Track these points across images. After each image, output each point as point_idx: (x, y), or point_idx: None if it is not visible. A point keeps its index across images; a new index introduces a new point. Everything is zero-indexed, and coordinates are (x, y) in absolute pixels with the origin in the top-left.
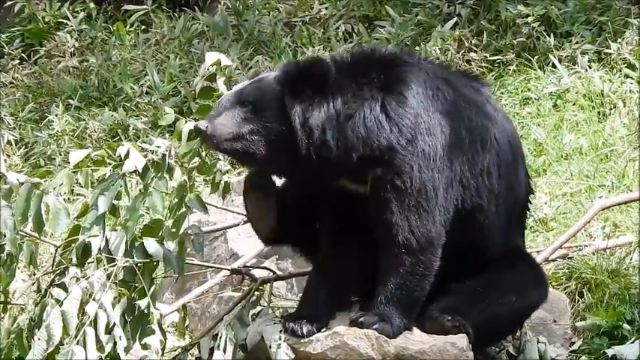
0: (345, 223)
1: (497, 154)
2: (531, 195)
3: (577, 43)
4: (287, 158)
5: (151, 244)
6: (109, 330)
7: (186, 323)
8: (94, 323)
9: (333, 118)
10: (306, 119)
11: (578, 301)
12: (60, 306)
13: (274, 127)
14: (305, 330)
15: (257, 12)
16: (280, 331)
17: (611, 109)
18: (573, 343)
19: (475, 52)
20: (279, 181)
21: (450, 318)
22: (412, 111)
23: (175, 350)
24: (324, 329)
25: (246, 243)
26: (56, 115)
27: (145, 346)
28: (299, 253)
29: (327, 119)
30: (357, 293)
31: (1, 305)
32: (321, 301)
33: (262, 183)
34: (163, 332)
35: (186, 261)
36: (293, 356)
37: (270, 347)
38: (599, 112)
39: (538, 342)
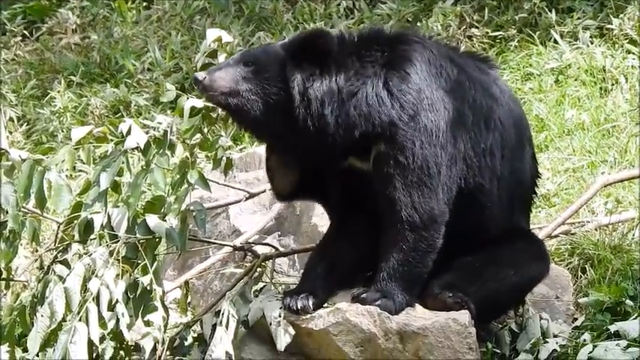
0: (350, 200)
1: (501, 135)
2: (537, 178)
3: (579, 18)
4: (283, 125)
5: (153, 221)
6: (111, 307)
7: (189, 300)
8: (97, 300)
9: (335, 94)
10: (306, 89)
11: (581, 277)
12: (63, 283)
13: (273, 91)
14: (300, 305)
15: None
16: (280, 308)
17: (612, 84)
18: (576, 319)
19: (477, 27)
20: None
21: (451, 294)
22: (415, 87)
23: (178, 327)
24: (325, 305)
25: (249, 219)
26: (58, 92)
27: (147, 323)
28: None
29: (327, 93)
30: (358, 270)
31: (4, 282)
32: (319, 277)
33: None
34: (166, 309)
35: (189, 237)
36: (293, 333)
37: (270, 324)
38: (600, 88)
39: (541, 318)
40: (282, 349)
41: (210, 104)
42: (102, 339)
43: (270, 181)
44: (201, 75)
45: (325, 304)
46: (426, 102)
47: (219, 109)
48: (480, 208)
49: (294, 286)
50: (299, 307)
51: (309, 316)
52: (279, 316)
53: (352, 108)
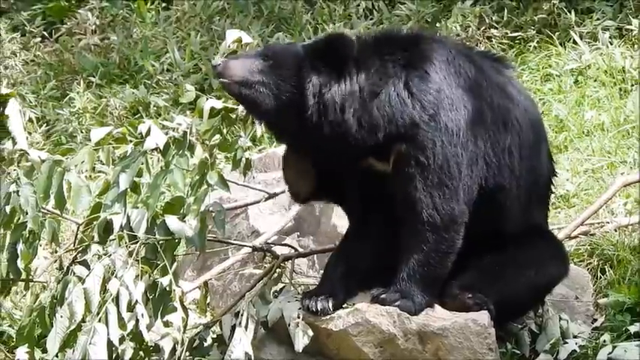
0: (368, 201)
1: (518, 135)
2: (554, 176)
3: (598, 19)
4: (295, 123)
5: (172, 222)
6: (130, 307)
7: (208, 300)
8: (116, 301)
9: (356, 96)
10: (322, 94)
11: (600, 277)
12: (82, 283)
13: (286, 88)
14: (319, 306)
15: None
16: (299, 309)
17: (632, 85)
18: (595, 320)
19: (496, 28)
20: None
21: (470, 295)
22: (435, 86)
23: (197, 327)
24: (344, 306)
25: (268, 220)
26: (77, 93)
27: (166, 324)
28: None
29: (347, 96)
30: (377, 271)
31: (24, 283)
32: (338, 278)
33: None
34: (185, 309)
35: (208, 238)
36: (311, 334)
37: (289, 325)
38: (620, 89)
39: (560, 319)
40: (301, 350)
41: (228, 100)
42: (121, 340)
43: (287, 182)
44: (217, 61)
45: (344, 305)
46: (446, 101)
47: (239, 110)
48: (499, 207)
49: (314, 287)
50: (318, 309)
51: (328, 316)
52: (298, 317)
53: (375, 109)
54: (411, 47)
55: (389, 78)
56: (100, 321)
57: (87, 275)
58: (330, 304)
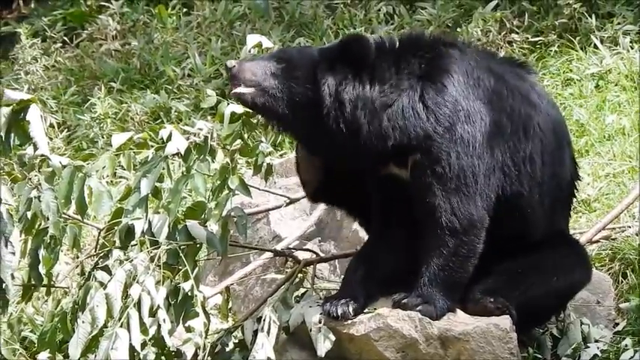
0: (389, 207)
1: (540, 141)
2: (577, 181)
3: (619, 23)
4: (310, 125)
5: (194, 227)
6: (152, 312)
7: (230, 305)
8: (138, 306)
9: (368, 102)
10: (338, 92)
11: (622, 282)
12: (104, 289)
13: (299, 90)
14: (340, 311)
15: None
16: (320, 314)
17: None
18: (617, 324)
19: (517, 33)
20: None
21: (492, 299)
22: (451, 99)
23: (219, 332)
24: (366, 311)
25: (289, 225)
26: (98, 98)
27: (188, 329)
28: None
29: (360, 98)
30: (398, 276)
31: (45, 288)
32: (359, 283)
33: None
34: (207, 314)
35: (229, 243)
36: (333, 339)
37: (310, 330)
38: None
39: (582, 323)
40: (323, 355)
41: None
42: (143, 345)
43: (298, 174)
44: (231, 63)
45: (366, 310)
46: (462, 113)
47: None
48: (521, 213)
49: (335, 292)
50: (339, 314)
51: (350, 321)
52: (320, 322)
53: (386, 119)
54: (430, 57)
55: (403, 91)
56: (121, 326)
57: (109, 280)
58: (351, 309)
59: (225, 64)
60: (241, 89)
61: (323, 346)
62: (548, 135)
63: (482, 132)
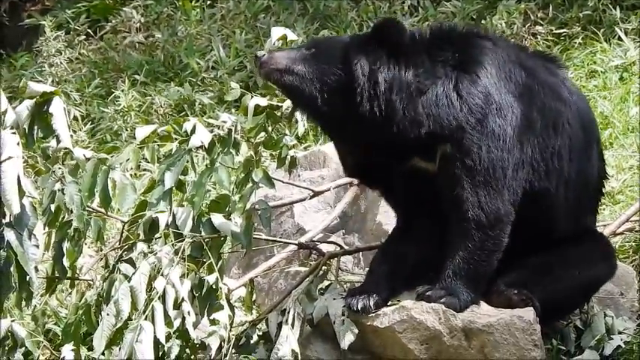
0: (414, 200)
1: (569, 137)
2: (605, 179)
3: None
4: (341, 109)
5: (218, 220)
6: (177, 305)
7: (254, 298)
8: (163, 298)
9: (403, 86)
10: (372, 71)
11: None
12: (128, 281)
13: (331, 71)
14: (360, 305)
15: None
16: (343, 307)
17: None
18: None
19: (541, 25)
20: None
21: (516, 291)
22: (484, 91)
23: (243, 325)
24: (389, 303)
25: (313, 218)
26: (122, 91)
27: (213, 322)
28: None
29: (396, 81)
30: (422, 270)
31: (69, 281)
32: (383, 277)
33: None
34: (232, 307)
35: (253, 236)
36: (356, 332)
37: (334, 323)
38: None
39: (605, 315)
40: (346, 348)
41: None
42: (167, 337)
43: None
44: (261, 52)
45: (390, 303)
46: (494, 106)
47: (284, 108)
48: (546, 209)
49: (359, 285)
50: (359, 308)
51: (374, 314)
52: (343, 315)
53: (420, 106)
54: (463, 49)
55: (438, 78)
56: (146, 319)
57: (133, 273)
58: (372, 303)
59: (254, 55)
60: (271, 68)
61: (346, 338)
62: (577, 131)
63: (512, 126)
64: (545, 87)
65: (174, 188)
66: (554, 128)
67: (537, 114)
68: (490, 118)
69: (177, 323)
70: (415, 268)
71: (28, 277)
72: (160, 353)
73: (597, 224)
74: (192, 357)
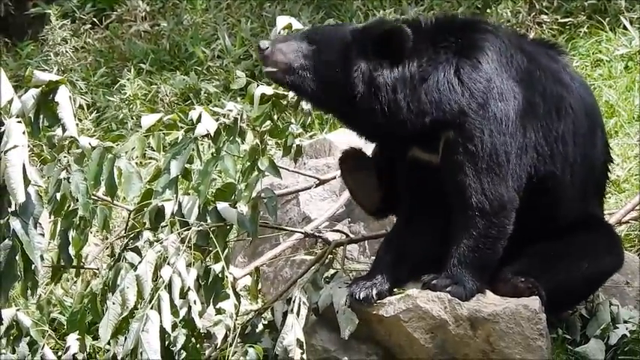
0: (417, 192)
1: (572, 122)
2: (610, 164)
3: None
4: (342, 104)
5: (224, 208)
6: (183, 294)
7: (259, 287)
8: (169, 288)
9: (407, 80)
10: (373, 77)
11: None
12: (134, 270)
13: (331, 73)
14: (362, 295)
15: None
16: (347, 296)
17: None
18: None
19: (546, 14)
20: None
21: (523, 279)
22: (485, 76)
23: (248, 314)
24: (395, 290)
25: (319, 206)
26: (128, 80)
27: (219, 311)
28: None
29: (399, 80)
30: (426, 260)
31: (75, 270)
32: (387, 266)
33: (361, 163)
34: (237, 296)
35: (259, 224)
36: (357, 321)
37: (337, 312)
38: None
39: (610, 304)
40: (346, 338)
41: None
42: (173, 327)
43: (354, 198)
44: (264, 44)
45: (395, 290)
46: (495, 91)
47: (290, 97)
48: (552, 195)
49: (363, 274)
50: (361, 297)
51: (379, 302)
52: (345, 304)
53: (423, 94)
54: (464, 35)
55: (439, 64)
56: (152, 308)
57: (139, 262)
58: (375, 293)
59: (257, 45)
60: (273, 68)
61: (346, 328)
62: (580, 116)
63: (515, 110)
64: (547, 72)
65: (180, 177)
66: (557, 112)
67: (539, 98)
68: (492, 103)
69: (183, 312)
70: (419, 258)
71: (33, 266)
72: (166, 343)
73: (603, 213)
74: (198, 346)
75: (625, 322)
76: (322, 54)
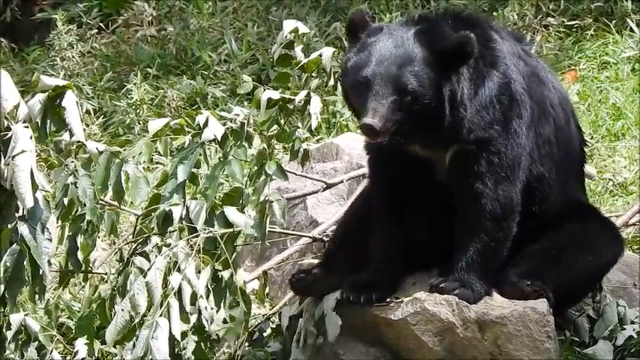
0: (412, 190)
1: (554, 119)
2: (585, 146)
3: None
4: (424, 127)
5: (231, 213)
6: (193, 301)
7: (267, 290)
8: (179, 294)
9: (466, 93)
10: (454, 95)
11: None
12: (144, 277)
13: (430, 109)
14: (363, 298)
15: None
16: (335, 299)
17: None
18: None
19: (553, 17)
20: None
21: (529, 283)
22: (508, 89)
23: (255, 318)
24: (394, 295)
25: (326, 210)
26: (134, 84)
27: (231, 318)
28: None
29: (465, 94)
30: (424, 260)
31: (83, 274)
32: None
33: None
34: (248, 302)
35: (267, 228)
36: (340, 324)
37: (325, 315)
38: None
39: (618, 305)
40: (332, 341)
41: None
42: (183, 334)
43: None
44: (375, 123)
45: (398, 295)
46: (515, 104)
47: (296, 101)
48: (540, 193)
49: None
50: (362, 301)
51: (386, 305)
52: (331, 308)
53: (474, 109)
54: (486, 44)
55: (482, 77)
56: (161, 315)
57: (148, 268)
58: (374, 296)
59: (364, 125)
60: (385, 138)
61: (331, 331)
62: (559, 111)
63: (527, 122)
64: (534, 75)
65: (187, 181)
66: (544, 115)
67: (536, 105)
68: (514, 118)
69: (193, 319)
70: (414, 252)
71: (41, 271)
72: (176, 350)
73: (610, 215)
74: (207, 351)
75: (632, 323)
76: (419, 98)
